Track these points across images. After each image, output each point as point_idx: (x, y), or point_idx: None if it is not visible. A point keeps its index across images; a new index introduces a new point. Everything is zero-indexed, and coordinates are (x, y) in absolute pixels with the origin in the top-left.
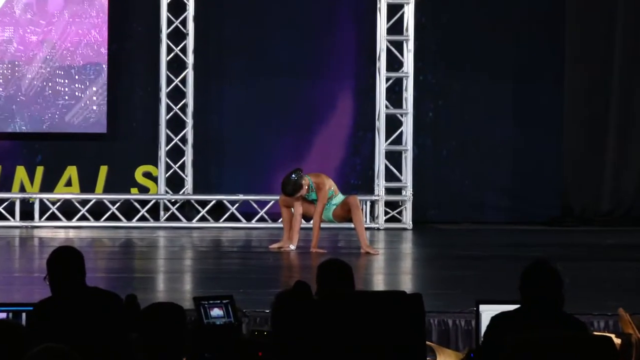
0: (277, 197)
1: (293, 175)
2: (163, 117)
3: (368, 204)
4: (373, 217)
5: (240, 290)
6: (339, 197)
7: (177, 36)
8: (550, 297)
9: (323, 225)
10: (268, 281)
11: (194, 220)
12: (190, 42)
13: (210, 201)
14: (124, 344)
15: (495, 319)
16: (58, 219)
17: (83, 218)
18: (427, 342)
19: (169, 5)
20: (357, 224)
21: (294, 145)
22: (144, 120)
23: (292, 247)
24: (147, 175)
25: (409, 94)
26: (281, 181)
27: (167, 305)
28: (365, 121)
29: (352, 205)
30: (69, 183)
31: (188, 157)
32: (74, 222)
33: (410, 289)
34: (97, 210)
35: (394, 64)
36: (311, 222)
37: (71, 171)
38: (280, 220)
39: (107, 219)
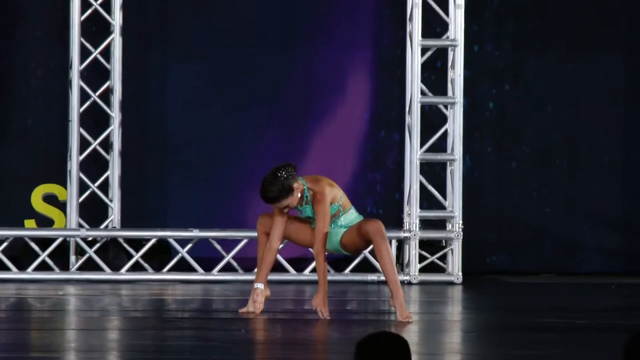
0: (253, 234)
1: (281, 172)
2: (75, 109)
3: (394, 244)
4: (402, 264)
5: None
6: (352, 215)
7: None
8: None
9: (311, 276)
10: None
11: (124, 270)
12: None
13: (148, 240)
14: None
15: None
16: None
17: None
18: None
19: None
20: (384, 264)
21: (281, 151)
22: (46, 113)
23: (259, 285)
24: (50, 199)
25: (457, 74)
26: (261, 182)
27: None
28: (390, 114)
29: (373, 236)
30: None
31: (114, 172)
32: None
33: None
34: None
35: (435, 26)
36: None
37: None
38: (254, 271)
39: None
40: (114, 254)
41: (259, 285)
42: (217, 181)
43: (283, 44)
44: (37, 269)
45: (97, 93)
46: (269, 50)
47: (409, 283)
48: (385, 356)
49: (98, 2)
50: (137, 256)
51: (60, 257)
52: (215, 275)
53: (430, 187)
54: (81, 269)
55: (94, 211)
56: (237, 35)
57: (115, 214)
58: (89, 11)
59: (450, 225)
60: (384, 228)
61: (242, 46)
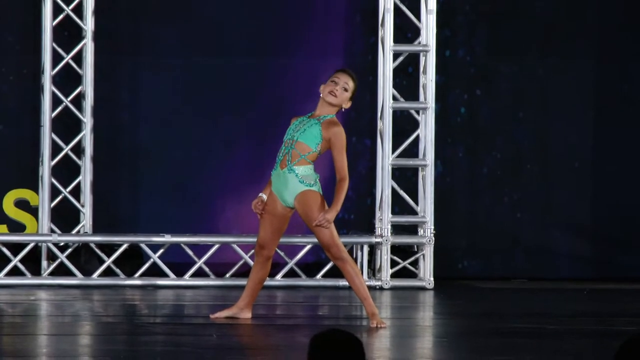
0: (225, 239)
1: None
2: (47, 114)
3: (365, 249)
4: (373, 270)
5: None
6: (309, 172)
7: None
8: None
9: (282, 281)
10: None
11: (95, 275)
12: None
13: (119, 245)
14: None
15: None
16: None
17: None
18: None
19: None
20: (355, 287)
21: (252, 158)
22: (17, 119)
23: (263, 195)
24: (22, 204)
25: (429, 79)
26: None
27: None
28: (362, 120)
29: (335, 261)
30: None
31: (86, 177)
32: None
33: None
34: None
35: (407, 31)
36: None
37: None
38: (226, 276)
39: None
40: (85, 259)
41: (261, 194)
42: (188, 187)
43: (255, 52)
44: (8, 274)
45: (69, 98)
46: (241, 59)
47: (381, 288)
48: (340, 356)
49: (70, 7)
50: (108, 261)
51: (32, 263)
52: (187, 280)
53: (402, 193)
54: (53, 274)
55: (65, 216)
56: (209, 43)
57: (87, 219)
58: (61, 16)
59: (422, 231)
60: (339, 251)
61: (214, 54)
